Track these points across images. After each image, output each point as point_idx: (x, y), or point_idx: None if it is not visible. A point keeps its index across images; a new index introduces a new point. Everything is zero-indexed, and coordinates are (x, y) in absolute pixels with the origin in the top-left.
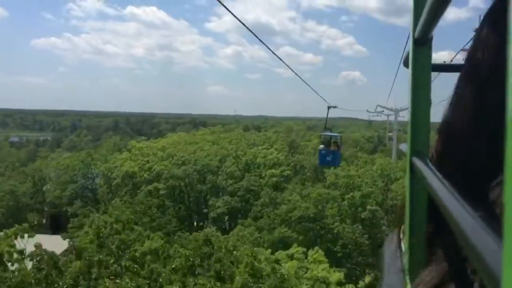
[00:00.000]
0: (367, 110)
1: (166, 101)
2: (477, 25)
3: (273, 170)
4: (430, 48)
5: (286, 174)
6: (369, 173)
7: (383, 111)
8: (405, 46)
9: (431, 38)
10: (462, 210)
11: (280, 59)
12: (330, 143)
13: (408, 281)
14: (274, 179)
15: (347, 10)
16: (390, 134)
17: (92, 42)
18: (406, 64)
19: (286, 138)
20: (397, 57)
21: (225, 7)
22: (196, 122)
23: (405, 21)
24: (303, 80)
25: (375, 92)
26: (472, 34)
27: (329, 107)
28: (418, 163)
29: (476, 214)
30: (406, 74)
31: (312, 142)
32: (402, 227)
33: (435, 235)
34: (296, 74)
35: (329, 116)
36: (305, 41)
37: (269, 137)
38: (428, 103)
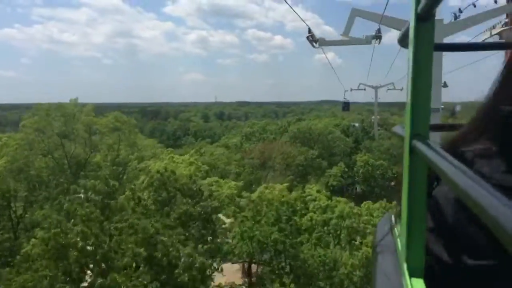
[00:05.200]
0: (351, 89)
1: (140, 91)
2: None
3: None
4: (433, 24)
5: None
6: None
7: (364, 89)
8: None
9: (435, 14)
10: (477, 186)
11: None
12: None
13: (403, 262)
14: None
15: None
16: (373, 117)
17: (46, 32)
18: (402, 42)
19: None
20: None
21: None
22: (146, 111)
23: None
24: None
25: (352, 73)
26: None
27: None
28: (420, 146)
29: (489, 187)
30: (382, 55)
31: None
32: (394, 210)
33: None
34: None
35: (309, 100)
36: (271, 22)
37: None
38: (430, 83)
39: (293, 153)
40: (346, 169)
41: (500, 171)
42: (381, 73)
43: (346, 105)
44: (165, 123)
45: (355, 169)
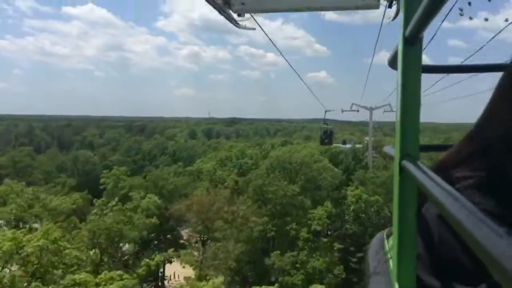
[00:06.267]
0: (342, 110)
1: (131, 105)
2: None
3: None
4: (420, 47)
5: None
6: None
7: (358, 110)
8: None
9: (422, 38)
10: (462, 208)
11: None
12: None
13: (394, 281)
14: None
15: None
16: (367, 139)
17: (38, 44)
18: (392, 64)
19: None
20: (358, 55)
21: None
22: (132, 126)
23: (356, 19)
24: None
25: (345, 92)
26: None
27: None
28: (409, 166)
29: (475, 210)
30: (377, 74)
31: None
32: (387, 230)
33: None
34: None
35: (302, 117)
36: (263, 39)
37: None
38: (418, 104)
39: (252, 216)
40: (333, 209)
41: (487, 197)
42: (378, 93)
43: (327, 136)
44: (142, 140)
45: (345, 205)
